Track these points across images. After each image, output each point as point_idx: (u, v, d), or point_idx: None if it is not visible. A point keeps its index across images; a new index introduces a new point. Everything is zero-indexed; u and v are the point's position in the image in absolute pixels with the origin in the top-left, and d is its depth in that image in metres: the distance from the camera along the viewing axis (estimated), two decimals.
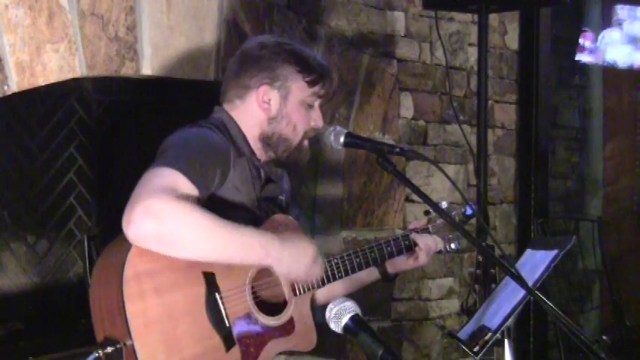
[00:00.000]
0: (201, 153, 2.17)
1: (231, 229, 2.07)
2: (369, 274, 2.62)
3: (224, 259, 2.10)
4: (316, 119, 2.43)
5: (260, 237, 2.13)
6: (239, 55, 2.44)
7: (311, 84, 2.39)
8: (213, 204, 2.20)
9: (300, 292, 2.32)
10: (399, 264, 2.60)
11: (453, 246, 2.63)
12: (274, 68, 2.36)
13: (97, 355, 1.95)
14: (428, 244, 2.55)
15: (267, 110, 2.38)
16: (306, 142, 2.44)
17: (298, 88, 2.38)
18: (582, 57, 5.10)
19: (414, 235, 2.56)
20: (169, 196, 1.99)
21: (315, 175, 3.72)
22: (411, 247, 2.56)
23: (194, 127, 2.29)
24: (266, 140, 2.40)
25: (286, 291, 2.30)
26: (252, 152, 2.40)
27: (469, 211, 2.61)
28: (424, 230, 2.59)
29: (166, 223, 1.97)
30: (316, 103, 2.43)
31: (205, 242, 2.04)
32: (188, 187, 2.05)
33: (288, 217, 2.41)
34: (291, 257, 2.18)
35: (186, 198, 2.02)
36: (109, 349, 1.96)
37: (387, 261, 2.58)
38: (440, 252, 2.65)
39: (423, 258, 2.56)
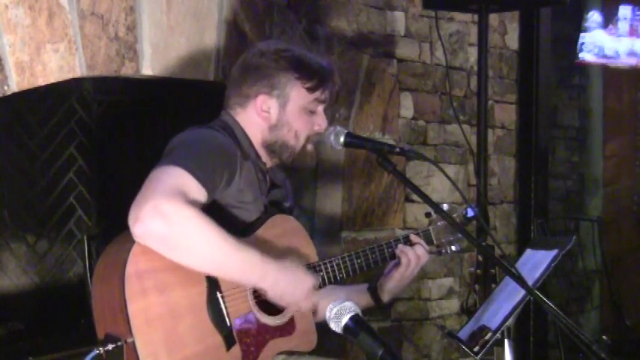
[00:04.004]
0: (210, 154, 2.16)
1: (235, 246, 2.06)
2: (360, 300, 2.52)
3: (221, 274, 2.11)
4: (320, 124, 2.42)
5: (261, 260, 2.11)
6: (240, 63, 2.43)
7: (311, 90, 2.38)
8: (218, 206, 2.21)
9: None
10: (391, 285, 2.53)
11: (453, 248, 2.59)
12: (272, 76, 2.35)
13: (98, 352, 1.95)
14: (409, 258, 2.47)
15: (266, 119, 2.37)
16: (310, 147, 2.44)
17: (298, 95, 2.37)
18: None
19: (400, 248, 2.49)
20: (180, 199, 1.98)
21: (315, 175, 3.71)
22: (394, 256, 2.49)
23: (202, 128, 2.29)
24: (269, 147, 2.40)
25: None
26: (258, 156, 2.40)
27: (470, 213, 2.56)
28: (425, 232, 2.56)
29: (175, 226, 1.97)
30: (319, 108, 2.42)
31: (208, 253, 2.03)
32: (196, 189, 2.05)
33: (289, 217, 2.41)
34: (286, 286, 2.15)
35: (195, 204, 2.02)
36: (110, 347, 1.96)
37: (379, 285, 2.54)
38: (440, 254, 2.62)
39: (410, 271, 2.48)
